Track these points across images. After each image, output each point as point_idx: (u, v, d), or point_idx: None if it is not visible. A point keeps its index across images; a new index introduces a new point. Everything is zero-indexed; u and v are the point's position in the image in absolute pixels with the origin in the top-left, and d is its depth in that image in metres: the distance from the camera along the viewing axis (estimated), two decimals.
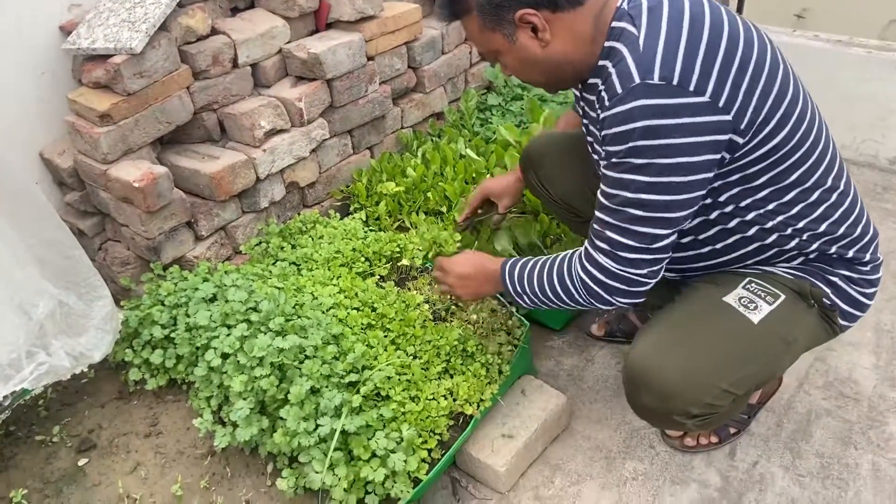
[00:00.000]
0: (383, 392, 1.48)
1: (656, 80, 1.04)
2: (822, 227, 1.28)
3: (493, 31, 1.20)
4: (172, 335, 1.64)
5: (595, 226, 1.21)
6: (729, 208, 1.25)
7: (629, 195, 1.13)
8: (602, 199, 1.18)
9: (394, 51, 2.38)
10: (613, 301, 1.26)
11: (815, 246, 1.30)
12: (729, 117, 1.08)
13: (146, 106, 1.84)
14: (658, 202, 1.12)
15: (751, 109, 1.10)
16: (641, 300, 1.27)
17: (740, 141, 1.12)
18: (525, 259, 1.40)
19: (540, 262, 1.36)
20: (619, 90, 1.08)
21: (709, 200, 1.23)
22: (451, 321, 1.80)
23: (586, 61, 1.20)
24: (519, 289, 1.39)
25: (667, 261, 1.23)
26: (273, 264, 1.93)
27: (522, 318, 1.79)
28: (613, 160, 1.12)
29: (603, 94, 1.14)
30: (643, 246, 1.17)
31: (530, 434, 1.60)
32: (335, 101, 2.21)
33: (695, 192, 1.13)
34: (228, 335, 1.56)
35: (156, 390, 1.68)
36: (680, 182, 1.10)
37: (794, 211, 1.25)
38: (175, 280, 1.82)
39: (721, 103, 1.07)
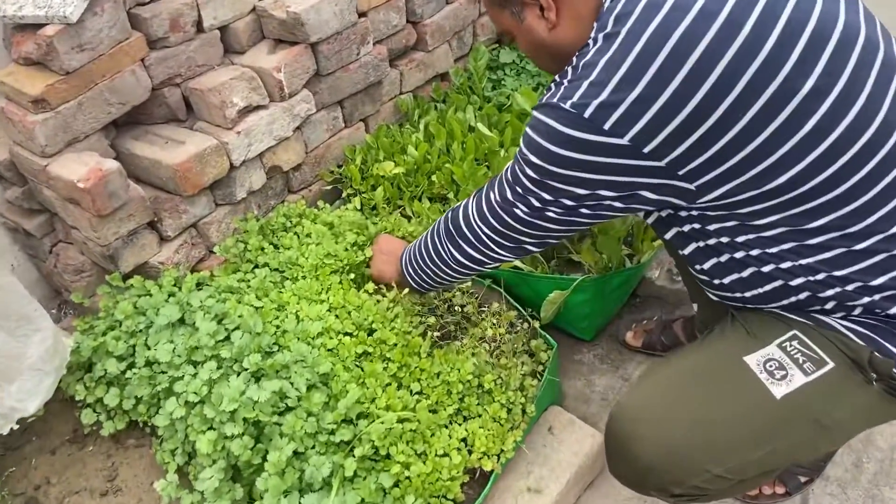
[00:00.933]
0: (382, 450, 1.21)
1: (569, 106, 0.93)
2: (881, 280, 0.97)
3: (502, 8, 1.10)
4: (130, 371, 1.36)
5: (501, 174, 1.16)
6: (725, 239, 1.02)
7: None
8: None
9: (389, 4, 2.02)
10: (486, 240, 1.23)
11: (868, 300, 0.98)
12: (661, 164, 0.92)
13: (91, 85, 1.51)
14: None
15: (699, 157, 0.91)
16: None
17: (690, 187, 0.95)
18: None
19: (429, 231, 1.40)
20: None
21: (697, 226, 1.03)
22: (463, 339, 1.52)
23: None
24: (412, 263, 1.45)
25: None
26: (252, 271, 1.64)
27: (548, 337, 1.51)
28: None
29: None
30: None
31: (562, 487, 1.33)
32: (322, 69, 1.87)
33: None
34: (195, 376, 1.29)
35: (115, 433, 1.41)
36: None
37: (827, 256, 0.96)
38: (135, 296, 1.53)
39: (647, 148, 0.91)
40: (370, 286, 1.58)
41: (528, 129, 1.02)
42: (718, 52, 0.85)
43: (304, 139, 1.93)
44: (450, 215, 1.31)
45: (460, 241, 1.27)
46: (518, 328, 1.54)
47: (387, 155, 2.00)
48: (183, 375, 1.30)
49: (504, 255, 1.24)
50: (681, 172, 0.93)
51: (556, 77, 1.02)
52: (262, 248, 1.71)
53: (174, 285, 1.61)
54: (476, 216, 1.22)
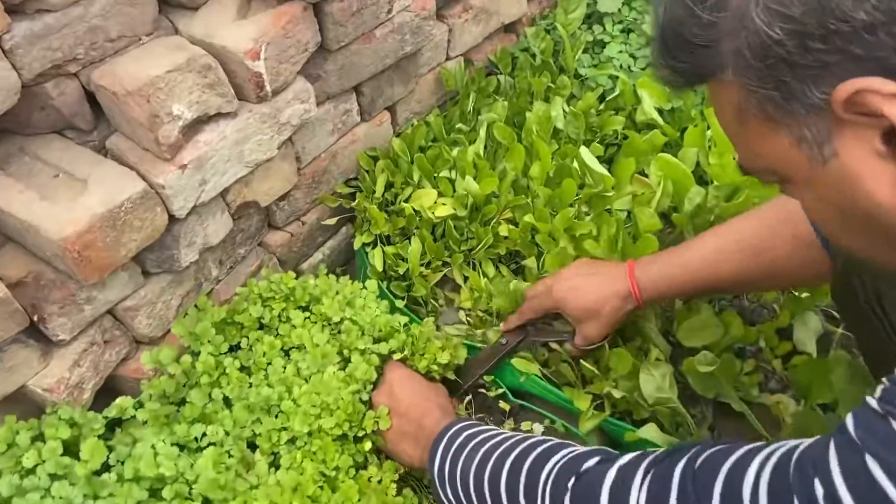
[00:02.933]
0: None
1: None
2: None
3: (775, 125, 0.51)
4: None
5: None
6: None
7: None
8: None
9: None
10: None
11: None
12: None
13: None
14: None
15: None
16: None
17: None
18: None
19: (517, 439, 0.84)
20: None
21: None
22: None
23: None
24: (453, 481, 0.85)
25: None
26: (199, 420, 0.96)
27: None
28: None
29: None
30: None
31: None
32: (329, 41, 1.11)
33: None
34: None
35: None
36: None
37: None
38: None
39: None
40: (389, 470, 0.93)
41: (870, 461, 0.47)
42: None
43: (297, 152, 1.19)
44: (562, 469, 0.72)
45: None
46: None
47: (426, 175, 1.27)
48: None
49: None
50: None
51: None
52: (219, 367, 1.02)
53: (71, 426, 0.94)
54: None
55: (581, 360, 1.04)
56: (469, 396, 1.10)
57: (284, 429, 0.95)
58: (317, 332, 1.04)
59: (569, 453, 0.77)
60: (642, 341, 1.09)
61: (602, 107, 1.38)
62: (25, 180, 0.95)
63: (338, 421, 0.92)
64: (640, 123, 1.35)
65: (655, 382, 0.99)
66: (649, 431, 0.98)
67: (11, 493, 0.85)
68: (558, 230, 1.14)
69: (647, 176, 1.28)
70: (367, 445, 0.95)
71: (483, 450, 0.83)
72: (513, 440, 0.83)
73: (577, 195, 1.17)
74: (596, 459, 0.74)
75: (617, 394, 0.99)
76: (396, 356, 1.05)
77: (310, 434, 0.93)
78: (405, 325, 1.09)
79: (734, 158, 1.22)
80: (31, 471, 0.89)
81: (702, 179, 1.23)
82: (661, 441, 0.97)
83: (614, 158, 1.33)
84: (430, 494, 1.00)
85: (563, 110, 1.35)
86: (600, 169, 1.16)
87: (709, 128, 1.23)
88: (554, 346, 1.11)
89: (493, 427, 0.90)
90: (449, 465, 0.85)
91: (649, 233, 1.08)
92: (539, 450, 0.79)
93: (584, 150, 1.17)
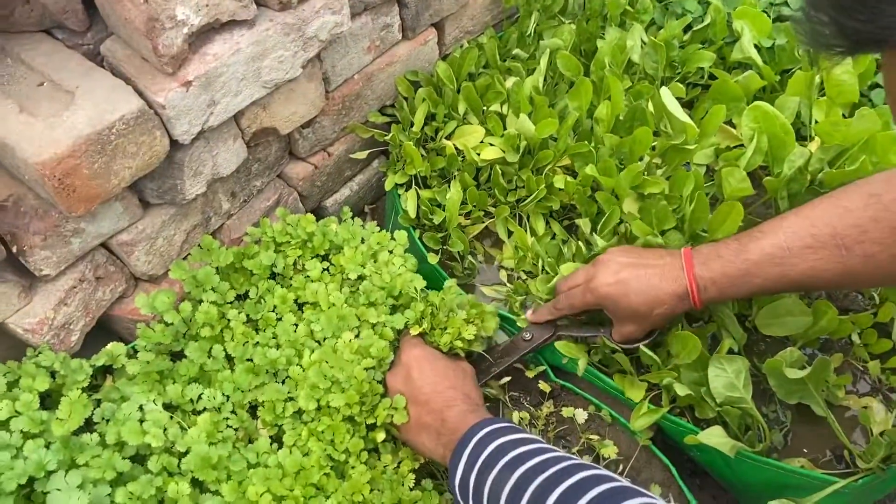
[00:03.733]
0: None
1: None
2: None
3: None
4: None
5: None
6: None
7: None
8: None
9: None
10: None
11: None
12: None
13: None
14: None
15: None
16: None
17: None
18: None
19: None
20: None
21: None
22: None
23: None
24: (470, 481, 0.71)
25: None
26: (179, 406, 0.84)
27: None
28: None
29: None
30: None
31: None
32: None
33: None
34: None
35: None
36: None
37: None
38: None
39: None
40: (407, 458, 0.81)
41: None
42: None
43: (325, 72, 1.02)
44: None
45: None
46: None
47: (474, 108, 1.09)
48: None
49: None
50: None
51: None
52: (223, 319, 0.89)
53: (52, 376, 0.83)
54: None
55: (641, 346, 0.88)
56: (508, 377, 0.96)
57: (291, 399, 0.82)
58: (334, 288, 0.90)
59: (607, 490, 0.62)
60: (714, 326, 0.93)
61: (687, 38, 1.17)
62: (5, 87, 0.81)
63: (348, 401, 0.79)
64: (730, 62, 1.14)
65: (727, 379, 0.84)
66: (714, 436, 0.83)
67: None
68: (623, 187, 0.96)
69: (733, 127, 1.08)
70: (381, 436, 0.82)
71: (518, 474, 0.68)
72: (552, 464, 0.68)
73: (651, 146, 0.99)
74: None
75: (681, 389, 0.84)
76: (414, 330, 0.90)
77: (318, 409, 0.80)
78: (423, 290, 0.94)
79: (844, 116, 1.03)
80: (5, 423, 0.78)
81: (799, 134, 1.04)
82: (727, 447, 0.83)
83: (696, 103, 1.13)
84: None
85: (641, 40, 1.14)
86: (683, 116, 0.97)
87: (818, 75, 1.02)
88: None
89: (525, 434, 0.75)
90: (475, 480, 0.71)
91: (736, 199, 0.90)
92: (575, 479, 0.64)
93: (665, 92, 0.98)
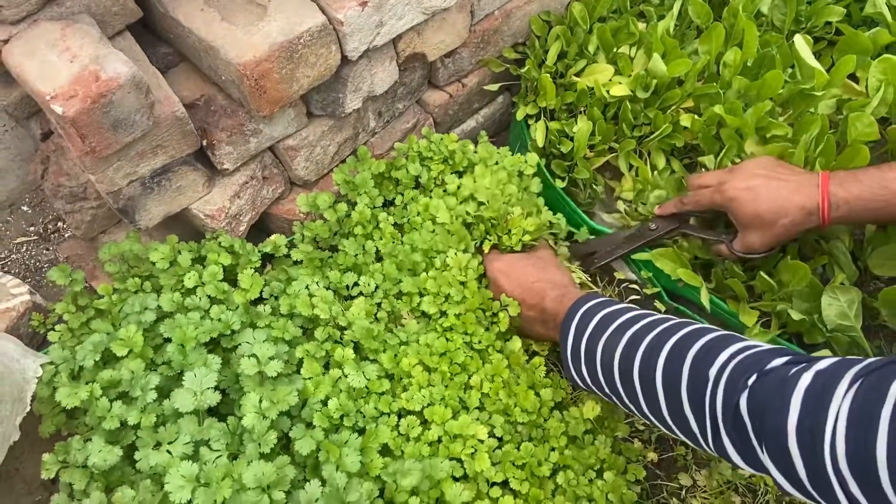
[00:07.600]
0: None
1: None
2: None
3: None
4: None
5: None
6: None
7: None
8: None
9: None
10: None
11: None
12: None
13: None
14: None
15: None
16: None
17: None
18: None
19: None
20: None
21: None
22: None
23: None
24: (581, 359, 0.82)
25: None
26: (337, 290, 0.95)
27: None
28: None
29: None
30: None
31: None
32: None
33: None
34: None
35: None
36: None
37: None
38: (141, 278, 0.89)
39: None
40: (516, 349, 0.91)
41: None
42: None
43: (472, 5, 1.10)
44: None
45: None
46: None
47: (605, 48, 1.16)
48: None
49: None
50: None
51: None
52: (374, 219, 1.00)
53: (231, 254, 0.95)
54: None
55: (759, 272, 0.95)
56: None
57: (425, 293, 0.93)
58: (460, 208, 1.00)
59: (746, 347, 0.69)
60: (824, 258, 0.98)
61: None
62: (205, 5, 0.92)
63: (469, 307, 0.90)
64: (857, 20, 1.17)
65: (840, 308, 0.90)
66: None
67: (173, 309, 0.87)
68: (748, 126, 1.02)
69: (855, 82, 1.12)
70: (505, 324, 0.92)
71: (629, 334, 0.76)
72: (663, 323, 0.76)
73: (769, 85, 1.03)
74: (783, 360, 0.65)
75: (795, 315, 0.90)
76: (486, 246, 0.98)
77: (443, 314, 0.91)
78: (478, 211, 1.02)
79: None
80: (192, 291, 0.91)
81: None
82: None
83: (820, 57, 1.16)
84: None
85: None
86: (813, 61, 1.01)
87: None
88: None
89: (622, 302, 0.84)
90: (585, 346, 0.80)
91: (862, 143, 0.94)
92: (707, 339, 0.71)
93: (798, 39, 1.02)
